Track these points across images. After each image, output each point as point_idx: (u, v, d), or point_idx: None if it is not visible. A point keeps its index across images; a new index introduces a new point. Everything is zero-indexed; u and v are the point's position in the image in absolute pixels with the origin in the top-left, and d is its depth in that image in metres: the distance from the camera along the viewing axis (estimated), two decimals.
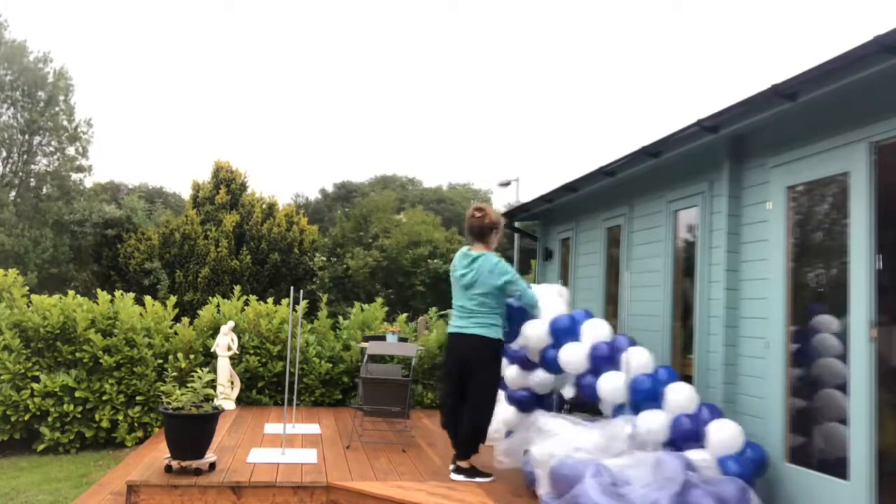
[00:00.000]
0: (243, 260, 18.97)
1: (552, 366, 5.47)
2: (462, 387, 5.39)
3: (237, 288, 9.89)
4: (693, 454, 4.50)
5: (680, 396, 4.82)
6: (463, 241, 24.63)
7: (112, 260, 19.29)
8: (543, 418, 5.06)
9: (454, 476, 5.37)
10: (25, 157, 21.52)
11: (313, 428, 7.35)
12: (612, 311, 7.57)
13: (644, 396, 4.89)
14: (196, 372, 5.78)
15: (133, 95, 62.41)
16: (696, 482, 4.14)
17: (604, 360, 5.14)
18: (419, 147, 66.60)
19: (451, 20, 73.64)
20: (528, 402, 6.01)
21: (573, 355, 5.24)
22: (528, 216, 10.19)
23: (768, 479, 4.74)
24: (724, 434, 4.59)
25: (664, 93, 67.09)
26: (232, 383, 8.48)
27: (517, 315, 5.57)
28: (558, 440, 4.72)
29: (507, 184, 21.76)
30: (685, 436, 4.69)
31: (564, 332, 5.36)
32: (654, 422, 4.75)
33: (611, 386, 5.03)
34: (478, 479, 5.32)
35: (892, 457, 4.37)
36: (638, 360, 5.05)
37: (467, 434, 5.37)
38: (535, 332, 5.49)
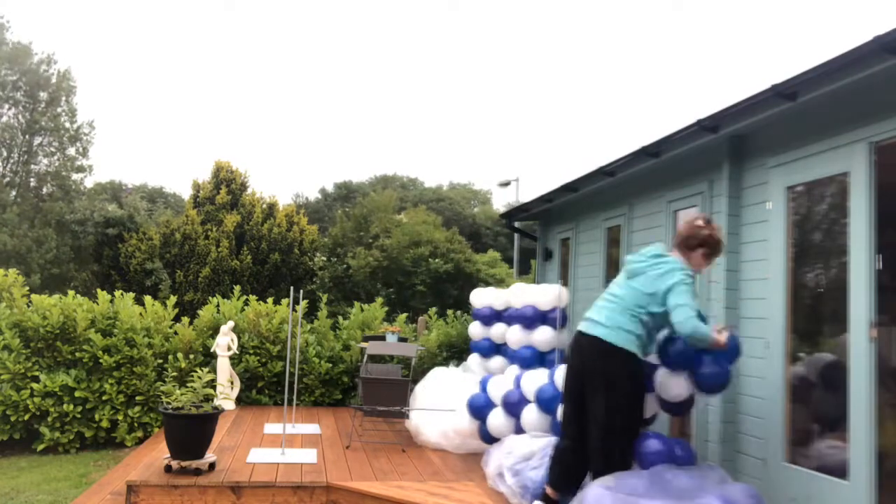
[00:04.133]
0: (244, 260, 18.97)
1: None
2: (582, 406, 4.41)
3: (237, 288, 9.89)
4: None
5: None
6: (462, 240, 24.51)
7: (113, 260, 19.28)
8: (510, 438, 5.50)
9: None
10: (26, 157, 21.54)
11: (313, 428, 7.35)
12: None
13: None
14: (196, 372, 5.78)
15: (133, 96, 62.45)
16: None
17: None
18: (419, 147, 66.61)
19: (451, 20, 73.66)
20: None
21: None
22: (528, 216, 10.19)
23: (768, 479, 4.73)
24: None
25: (664, 93, 67.07)
26: (232, 383, 8.48)
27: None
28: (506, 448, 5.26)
29: (507, 184, 21.75)
30: None
31: None
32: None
33: None
34: None
35: (892, 457, 4.36)
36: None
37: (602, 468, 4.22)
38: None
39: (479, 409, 6.21)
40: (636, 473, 4.16)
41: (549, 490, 4.49)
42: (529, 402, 5.68)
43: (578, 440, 4.40)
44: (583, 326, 4.47)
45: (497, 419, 5.94)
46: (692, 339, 4.21)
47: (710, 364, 4.33)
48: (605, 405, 4.22)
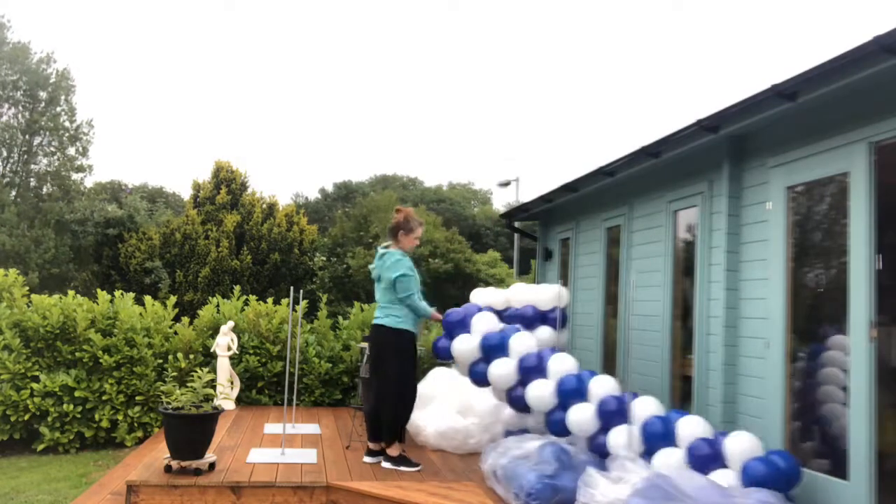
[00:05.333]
0: (243, 260, 18.97)
1: (481, 380, 6.00)
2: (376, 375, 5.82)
3: (237, 288, 9.88)
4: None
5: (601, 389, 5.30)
6: (462, 240, 24.53)
7: (113, 260, 19.29)
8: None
9: (383, 464, 5.67)
10: (26, 157, 21.53)
11: (313, 428, 7.35)
12: (611, 311, 7.57)
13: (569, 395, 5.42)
14: (196, 372, 5.78)
15: (133, 95, 62.44)
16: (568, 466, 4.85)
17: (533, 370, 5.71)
18: (419, 147, 66.60)
19: (451, 20, 73.65)
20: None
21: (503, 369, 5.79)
22: (528, 216, 10.19)
23: None
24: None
25: (664, 93, 67.07)
26: (232, 383, 8.47)
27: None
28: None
29: (507, 184, 21.75)
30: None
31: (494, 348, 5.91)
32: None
33: (538, 393, 5.56)
34: (403, 468, 5.57)
35: (892, 457, 4.36)
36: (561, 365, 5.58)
37: (388, 423, 5.66)
38: (464, 347, 5.96)
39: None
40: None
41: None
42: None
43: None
44: (375, 320, 5.93)
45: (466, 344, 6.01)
46: (420, 314, 5.81)
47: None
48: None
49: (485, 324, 6.06)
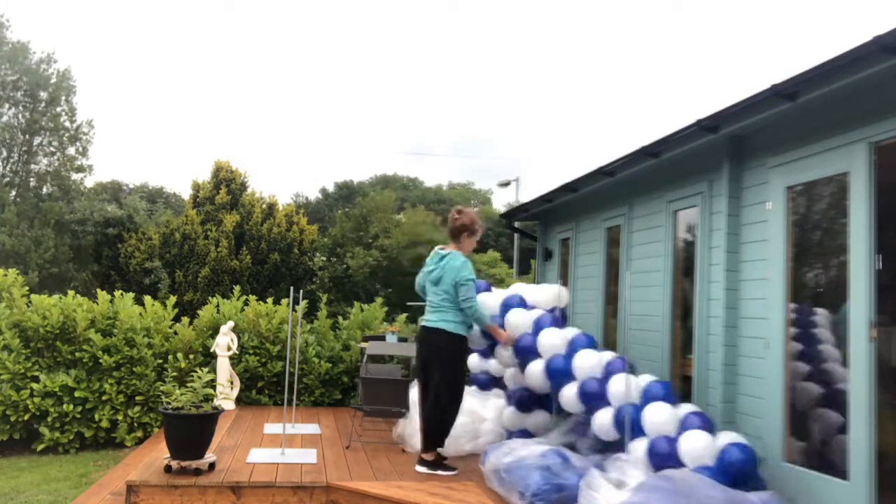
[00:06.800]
0: (243, 260, 18.96)
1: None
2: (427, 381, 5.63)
3: (237, 288, 9.89)
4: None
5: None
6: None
7: (112, 260, 19.29)
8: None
9: (417, 468, 5.55)
10: (26, 157, 21.53)
11: (313, 428, 7.35)
12: (611, 311, 7.57)
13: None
14: (196, 372, 5.78)
15: (133, 95, 62.40)
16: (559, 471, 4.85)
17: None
18: (420, 147, 66.59)
19: (451, 20, 73.65)
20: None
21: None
22: (528, 216, 10.18)
23: (768, 479, 4.73)
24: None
25: (664, 93, 67.07)
26: (231, 383, 8.47)
27: None
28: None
29: (507, 184, 21.74)
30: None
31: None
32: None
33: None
34: (440, 472, 5.48)
35: (892, 457, 4.36)
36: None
37: (432, 428, 5.54)
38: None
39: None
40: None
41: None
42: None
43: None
44: (424, 322, 5.67)
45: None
46: (481, 322, 5.59)
47: None
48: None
49: (549, 343, 5.71)
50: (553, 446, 5.21)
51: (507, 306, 6.14)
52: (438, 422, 5.52)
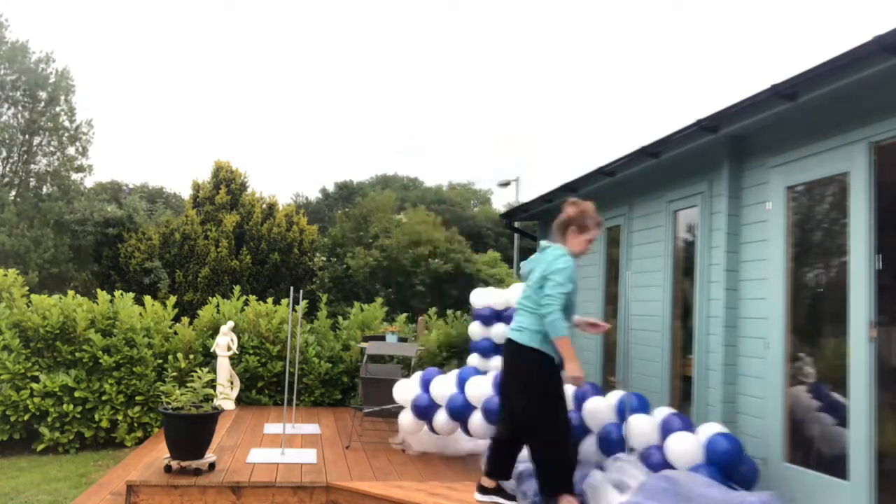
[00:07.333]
0: (243, 260, 18.95)
1: None
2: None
3: (237, 288, 9.89)
4: None
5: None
6: (462, 240, 24.48)
7: (112, 260, 19.27)
8: None
9: (477, 495, 4.61)
10: (25, 156, 21.52)
11: (313, 428, 7.35)
12: (611, 311, 7.57)
13: None
14: (196, 372, 5.78)
15: (133, 95, 62.37)
16: None
17: None
18: (419, 147, 66.63)
19: (451, 20, 73.67)
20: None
21: None
22: (528, 216, 10.19)
23: (768, 479, 4.73)
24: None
25: (664, 93, 67.07)
26: (231, 383, 8.47)
27: None
28: None
29: (507, 184, 21.75)
30: None
31: None
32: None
33: None
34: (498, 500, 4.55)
35: (892, 457, 4.36)
36: None
37: (547, 468, 4.32)
38: None
39: (423, 409, 6.06)
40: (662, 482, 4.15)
41: (486, 480, 4.62)
42: (475, 407, 5.71)
43: (507, 433, 4.56)
44: (508, 333, 4.60)
45: (441, 421, 5.92)
46: (551, 331, 4.25)
47: None
48: (521, 401, 4.37)
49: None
50: None
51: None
52: (542, 463, 4.31)
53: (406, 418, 6.17)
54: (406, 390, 6.20)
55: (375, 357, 8.75)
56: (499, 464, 4.54)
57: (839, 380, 4.31)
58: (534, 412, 4.29)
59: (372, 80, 71.82)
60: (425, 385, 6.10)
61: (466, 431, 5.82)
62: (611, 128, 63.83)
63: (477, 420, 5.65)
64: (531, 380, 4.32)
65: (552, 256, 4.38)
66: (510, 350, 4.44)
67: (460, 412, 5.76)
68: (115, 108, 57.04)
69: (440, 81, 72.76)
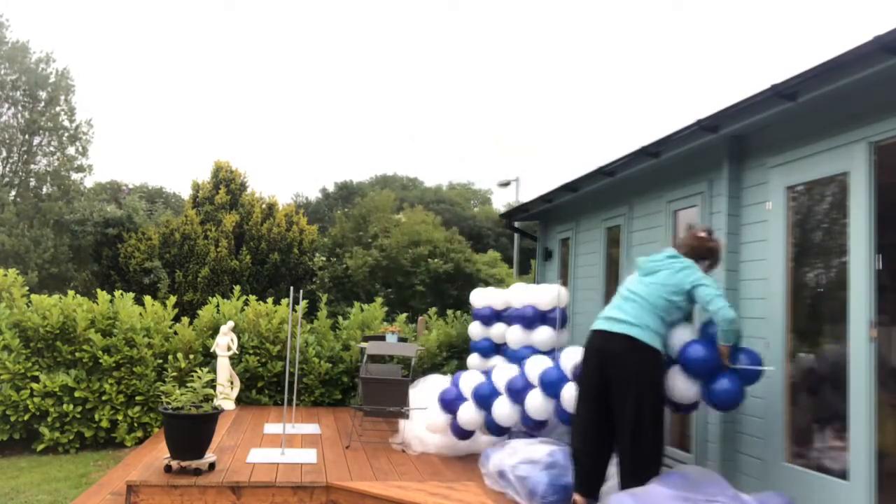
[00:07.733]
0: (243, 260, 18.96)
1: None
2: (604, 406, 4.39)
3: (237, 288, 9.89)
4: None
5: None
6: (462, 240, 24.45)
7: (112, 260, 19.26)
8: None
9: None
10: (25, 156, 21.51)
11: (313, 428, 7.35)
12: None
13: None
14: (196, 372, 5.78)
15: (133, 95, 62.34)
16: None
17: None
18: (419, 147, 66.61)
19: (450, 20, 73.67)
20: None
21: None
22: (528, 216, 10.19)
23: (768, 479, 4.74)
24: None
25: (664, 93, 67.07)
26: (232, 383, 8.47)
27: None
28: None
29: (507, 184, 21.73)
30: None
31: None
32: None
33: None
34: None
35: (892, 457, 4.36)
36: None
37: (631, 471, 4.23)
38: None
39: (450, 402, 6.20)
40: (662, 483, 4.13)
41: (577, 497, 4.45)
42: (500, 393, 5.85)
43: (598, 443, 4.40)
44: (604, 325, 4.46)
45: (468, 413, 6.01)
46: (730, 328, 4.35)
47: (726, 382, 4.44)
48: (636, 406, 4.21)
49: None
50: (558, 445, 5.21)
51: None
52: (642, 458, 4.22)
53: (431, 416, 6.29)
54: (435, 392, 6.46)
55: (375, 357, 8.75)
56: (591, 478, 4.40)
57: (839, 379, 4.31)
58: (657, 411, 4.28)
59: (372, 79, 71.83)
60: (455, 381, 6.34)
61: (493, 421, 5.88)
62: (611, 127, 63.83)
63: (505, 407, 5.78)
64: (655, 379, 4.30)
65: (686, 263, 4.55)
66: (625, 344, 4.29)
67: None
68: (115, 108, 57.02)
69: (440, 81, 72.75)
